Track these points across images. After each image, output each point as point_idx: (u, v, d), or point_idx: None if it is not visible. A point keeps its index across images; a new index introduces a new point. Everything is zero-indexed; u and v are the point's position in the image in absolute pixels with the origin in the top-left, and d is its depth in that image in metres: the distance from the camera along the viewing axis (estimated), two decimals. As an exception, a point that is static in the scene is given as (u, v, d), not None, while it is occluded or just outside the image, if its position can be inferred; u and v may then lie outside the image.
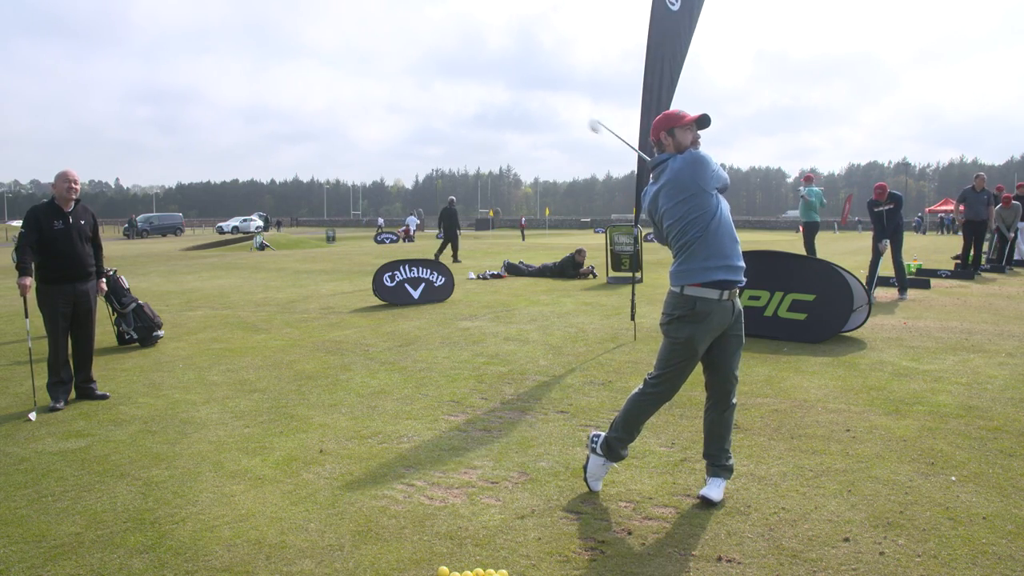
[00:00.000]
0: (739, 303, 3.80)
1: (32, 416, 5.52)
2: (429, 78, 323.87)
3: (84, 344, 6.10)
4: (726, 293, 3.65)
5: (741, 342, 3.84)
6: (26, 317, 5.92)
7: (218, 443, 4.82)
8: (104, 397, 6.02)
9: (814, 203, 14.31)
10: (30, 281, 5.77)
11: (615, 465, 4.12)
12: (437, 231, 21.34)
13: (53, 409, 5.73)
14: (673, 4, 8.47)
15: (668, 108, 8.85)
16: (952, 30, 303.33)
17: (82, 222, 6.02)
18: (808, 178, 15.20)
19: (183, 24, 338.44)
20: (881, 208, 11.27)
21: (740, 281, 3.71)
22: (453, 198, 21.84)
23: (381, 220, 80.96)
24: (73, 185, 5.90)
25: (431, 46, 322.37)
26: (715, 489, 3.77)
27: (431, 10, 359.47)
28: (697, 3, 8.85)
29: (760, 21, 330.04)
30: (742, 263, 3.74)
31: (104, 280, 6.36)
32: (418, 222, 51.11)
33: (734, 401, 3.85)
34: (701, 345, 3.69)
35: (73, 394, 6.07)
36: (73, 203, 5.94)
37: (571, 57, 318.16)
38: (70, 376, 6.01)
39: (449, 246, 20.42)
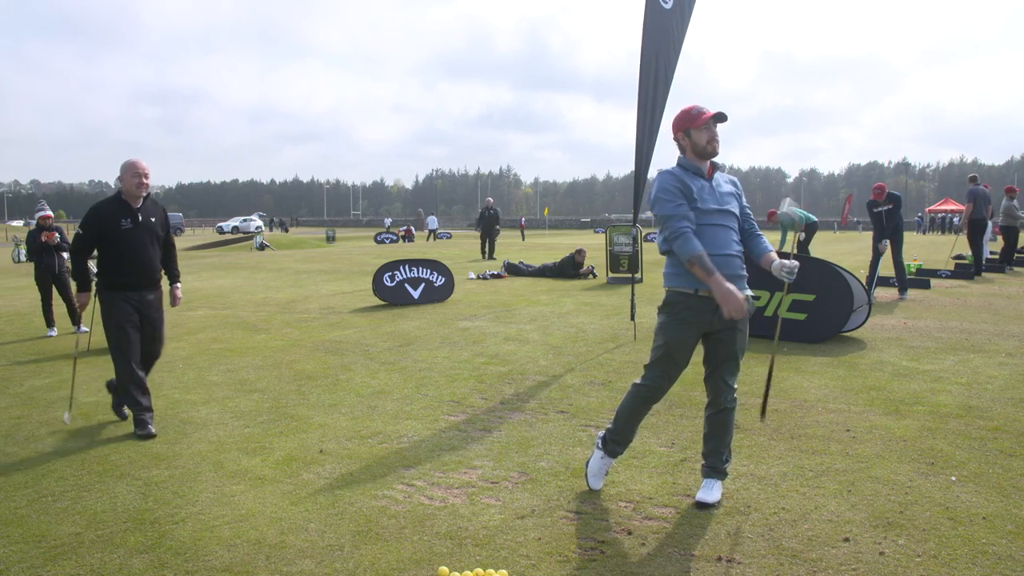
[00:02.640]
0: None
1: (67, 418, 5.23)
2: (435, 79, 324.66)
3: (150, 357, 5.35)
4: (703, 289, 3.59)
5: (731, 351, 3.73)
6: (75, 324, 5.54)
7: (218, 443, 4.82)
8: (150, 436, 5.03)
9: (801, 217, 14.40)
10: (87, 299, 5.23)
11: (614, 463, 4.12)
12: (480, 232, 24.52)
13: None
14: (666, 2, 8.47)
15: (663, 106, 8.83)
16: (956, 32, 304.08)
17: (152, 219, 5.24)
18: (771, 213, 15.62)
19: (193, 25, 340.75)
20: (880, 208, 11.30)
21: (708, 293, 3.61)
22: (490, 199, 25.08)
23: (388, 220, 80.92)
24: (144, 180, 5.10)
25: (439, 47, 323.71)
26: (708, 492, 3.75)
27: (440, 12, 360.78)
28: (688, 1, 8.86)
29: (766, 22, 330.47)
30: (725, 270, 3.60)
31: (179, 286, 5.66)
32: (436, 222, 51.57)
33: (728, 406, 3.79)
34: (675, 336, 3.69)
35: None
36: (142, 199, 5.19)
37: (578, 58, 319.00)
38: (147, 394, 5.19)
39: (486, 242, 23.45)
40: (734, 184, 3.88)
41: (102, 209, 5.08)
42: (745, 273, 3.75)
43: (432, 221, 49.29)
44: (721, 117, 3.71)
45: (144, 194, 5.16)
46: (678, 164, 3.80)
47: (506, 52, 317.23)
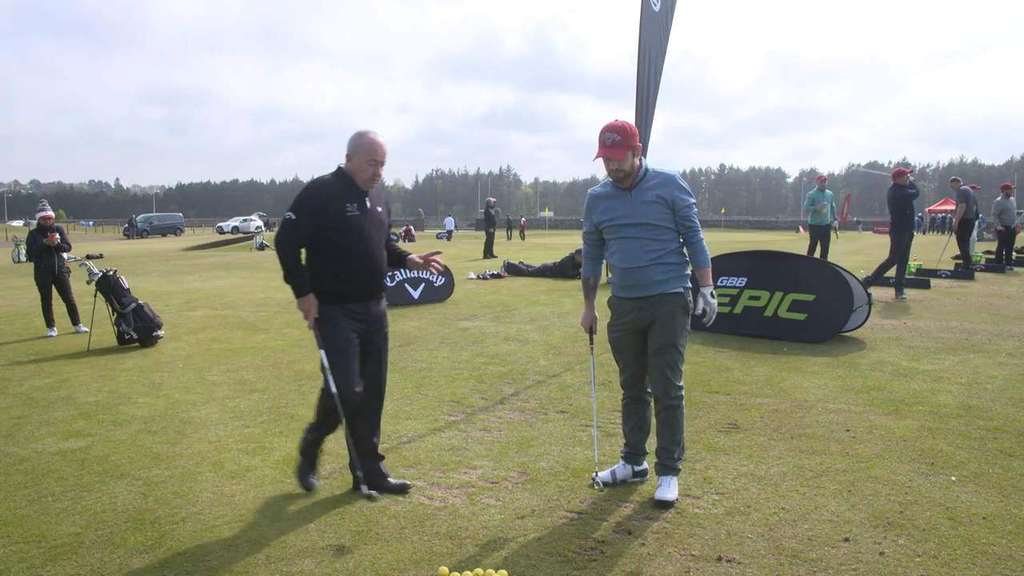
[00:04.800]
0: (662, 308, 3.75)
1: (364, 490, 3.85)
2: (439, 79, 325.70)
3: (374, 399, 4.02)
4: (632, 290, 3.81)
5: (660, 347, 3.77)
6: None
7: (218, 443, 4.82)
8: (403, 488, 3.94)
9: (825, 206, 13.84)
10: (312, 307, 3.77)
11: (627, 466, 4.12)
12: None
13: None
14: (655, 4, 8.80)
15: (655, 104, 9.10)
16: (961, 33, 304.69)
17: (379, 209, 3.96)
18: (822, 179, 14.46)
19: (200, 25, 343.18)
20: (912, 190, 10.67)
21: (629, 296, 3.82)
22: (492, 199, 26.37)
23: None
24: (379, 171, 3.83)
25: (445, 48, 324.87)
26: (667, 490, 3.79)
27: (447, 13, 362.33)
28: (671, 3, 9.25)
29: (771, 23, 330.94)
30: (637, 283, 3.77)
31: (432, 257, 4.16)
32: (453, 223, 52.97)
33: (668, 404, 3.82)
34: (613, 333, 3.97)
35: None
36: None
37: (584, 59, 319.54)
38: (377, 456, 4.02)
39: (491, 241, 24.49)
40: (664, 188, 3.74)
41: (325, 186, 3.78)
42: (661, 277, 3.75)
43: (449, 222, 51.64)
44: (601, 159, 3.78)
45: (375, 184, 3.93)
46: (604, 181, 3.96)
47: (512, 53, 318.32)
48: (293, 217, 3.71)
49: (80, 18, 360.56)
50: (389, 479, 4.01)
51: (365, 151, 3.75)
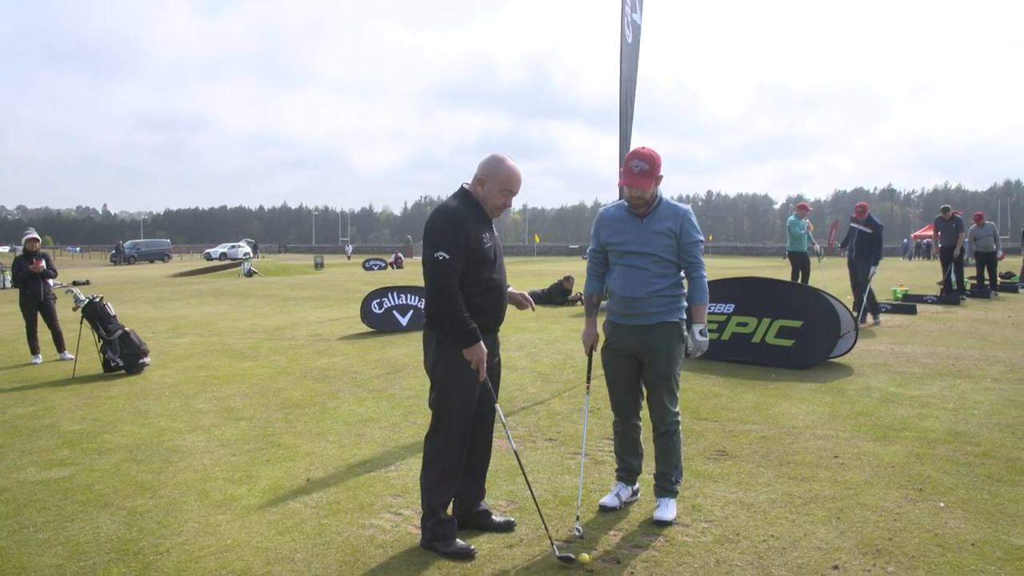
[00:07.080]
0: (659, 337, 3.83)
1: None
2: (434, 107, 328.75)
3: (483, 437, 3.88)
4: (629, 318, 3.86)
5: (659, 376, 3.87)
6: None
7: (204, 472, 4.77)
8: (509, 526, 3.81)
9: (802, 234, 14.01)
10: (482, 354, 3.55)
11: (627, 488, 4.18)
12: None
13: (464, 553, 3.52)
14: (628, 37, 9.54)
15: (631, 132, 9.64)
16: (948, 61, 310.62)
17: (496, 233, 3.79)
18: (803, 207, 14.63)
19: (199, 53, 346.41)
20: (856, 226, 11.49)
21: (625, 323, 3.88)
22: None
23: (350, 247, 79.59)
24: (511, 200, 3.67)
25: (440, 77, 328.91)
26: (665, 510, 3.88)
27: (445, 42, 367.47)
28: (636, 37, 10.11)
29: (762, 51, 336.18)
30: (635, 312, 3.83)
31: (527, 296, 4.02)
32: None
33: (665, 430, 3.93)
34: (607, 357, 4.01)
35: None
36: None
37: (578, 87, 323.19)
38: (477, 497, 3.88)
39: None
40: (674, 220, 3.83)
41: (462, 215, 3.51)
42: (659, 309, 3.82)
43: None
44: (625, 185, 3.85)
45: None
46: (619, 202, 4.03)
47: (507, 82, 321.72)
48: (447, 257, 3.42)
49: (79, 44, 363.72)
50: (494, 516, 3.88)
51: (502, 180, 3.57)
